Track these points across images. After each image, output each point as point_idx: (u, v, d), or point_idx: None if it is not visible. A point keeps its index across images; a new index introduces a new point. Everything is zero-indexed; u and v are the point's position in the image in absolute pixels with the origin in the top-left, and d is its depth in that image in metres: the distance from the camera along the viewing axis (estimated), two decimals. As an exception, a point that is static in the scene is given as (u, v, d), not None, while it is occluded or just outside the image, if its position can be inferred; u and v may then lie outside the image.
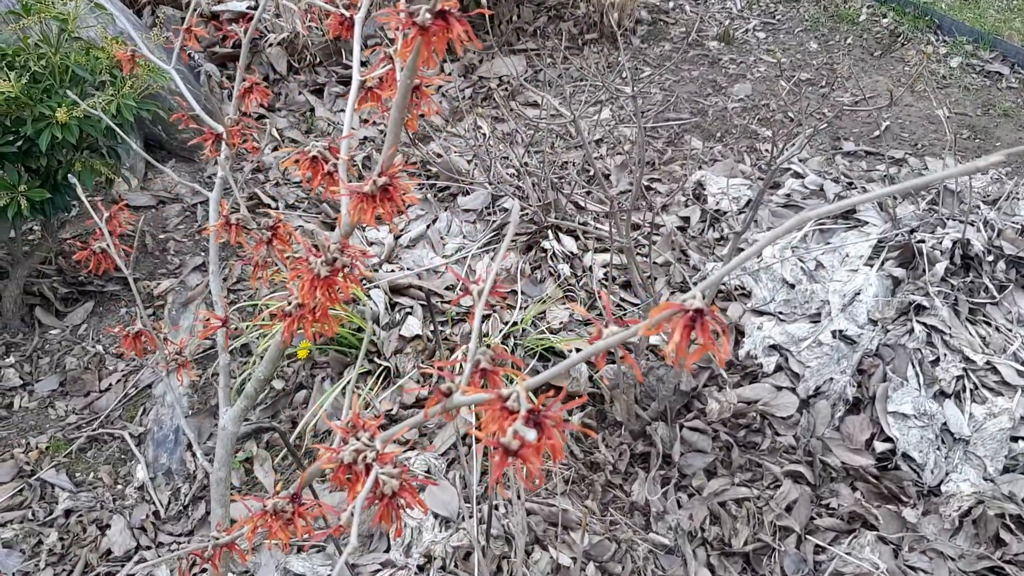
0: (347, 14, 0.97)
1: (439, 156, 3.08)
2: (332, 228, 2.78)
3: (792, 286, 2.53)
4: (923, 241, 2.51)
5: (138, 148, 1.27)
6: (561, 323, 2.44)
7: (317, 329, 0.84)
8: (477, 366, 0.68)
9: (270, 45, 3.51)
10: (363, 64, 0.96)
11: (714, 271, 2.63)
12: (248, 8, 3.57)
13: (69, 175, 1.56)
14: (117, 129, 1.36)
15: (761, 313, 2.50)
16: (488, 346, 0.68)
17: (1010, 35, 3.71)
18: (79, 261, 1.14)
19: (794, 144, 2.93)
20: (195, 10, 1.17)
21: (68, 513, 2.05)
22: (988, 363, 2.28)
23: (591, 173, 3.04)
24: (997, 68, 3.56)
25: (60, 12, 2.08)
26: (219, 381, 1.06)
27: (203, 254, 2.73)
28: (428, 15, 0.71)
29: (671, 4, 4.19)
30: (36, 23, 2.11)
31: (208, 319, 1.01)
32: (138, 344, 1.14)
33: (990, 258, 2.49)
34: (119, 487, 2.12)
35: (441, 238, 2.75)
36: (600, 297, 2.52)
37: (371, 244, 2.70)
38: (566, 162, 3.13)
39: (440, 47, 0.73)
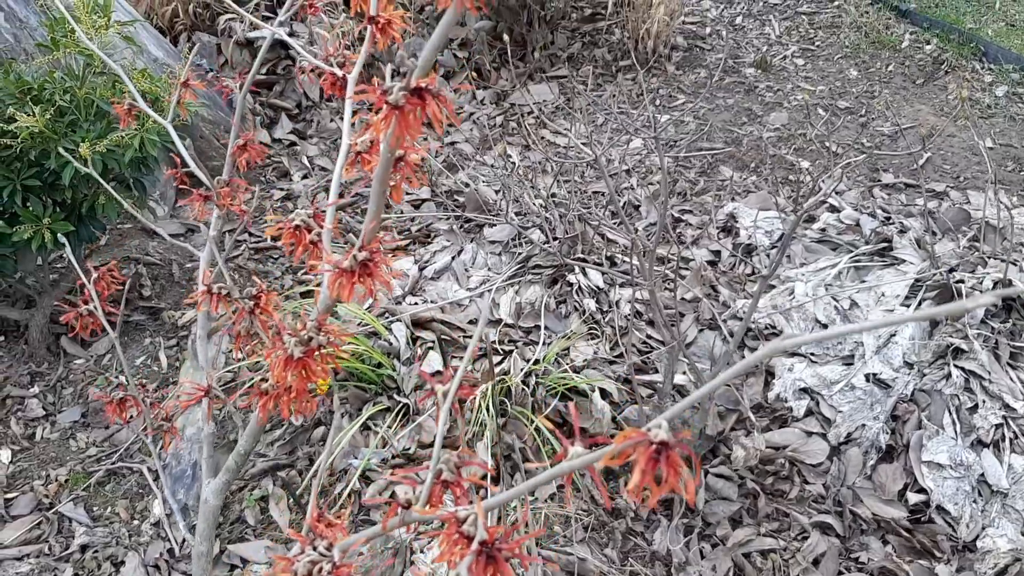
0: (340, 74, 0.94)
1: (466, 185, 3.05)
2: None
3: (825, 326, 2.45)
4: (962, 281, 2.42)
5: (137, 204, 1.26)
6: (585, 360, 2.39)
7: (295, 408, 0.81)
8: (438, 476, 0.64)
9: (303, 72, 3.52)
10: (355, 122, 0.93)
11: (744, 309, 2.57)
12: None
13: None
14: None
15: (792, 354, 2.43)
16: (456, 448, 0.64)
17: (1059, 63, 3.60)
18: (70, 321, 1.12)
19: (829, 177, 2.86)
20: (192, 62, 1.15)
21: (84, 548, 2.04)
22: (1030, 411, 2.19)
23: (619, 204, 2.99)
24: (1045, 97, 3.45)
25: (87, 49, 2.09)
26: (202, 451, 1.03)
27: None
28: (402, 94, 0.67)
29: (707, 30, 4.13)
30: (63, 57, 2.12)
31: (192, 388, 0.98)
32: (123, 410, 1.11)
33: (1033, 300, 2.40)
34: (135, 522, 2.11)
35: (466, 270, 2.72)
36: (625, 333, 2.47)
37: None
38: (595, 192, 3.09)
39: (416, 126, 0.69)
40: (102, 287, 1.11)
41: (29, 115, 2.00)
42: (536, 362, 2.31)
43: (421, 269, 2.72)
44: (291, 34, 3.63)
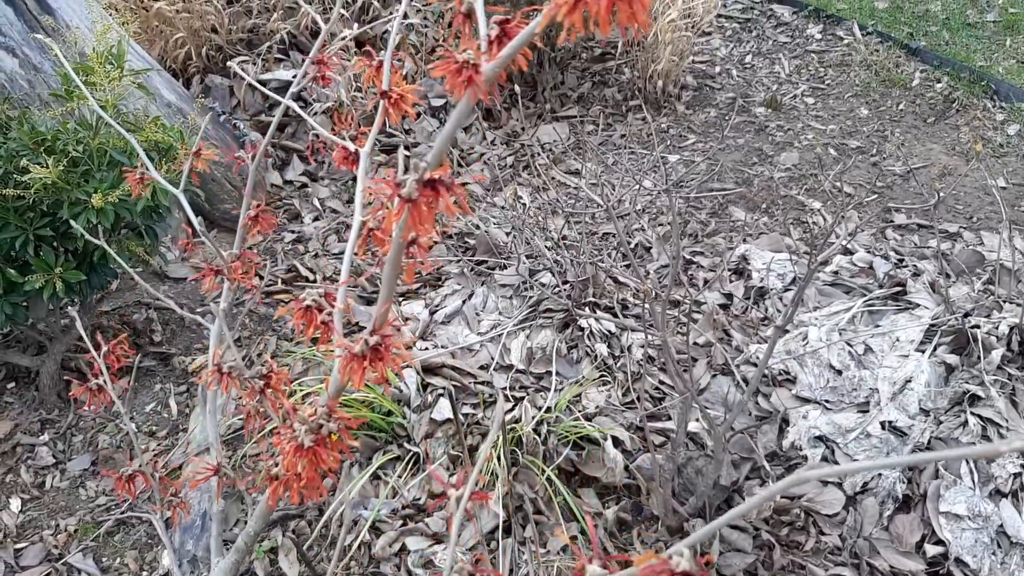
0: (352, 148, 0.94)
1: (477, 227, 3.05)
2: (369, 303, 2.75)
3: (839, 372, 2.43)
4: (978, 326, 2.40)
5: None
6: (597, 407, 2.37)
7: (306, 494, 0.80)
8: (453, 586, 0.62)
9: (315, 114, 3.54)
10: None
11: (757, 354, 2.55)
12: (294, 78, 3.61)
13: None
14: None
15: (806, 400, 2.41)
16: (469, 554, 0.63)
17: (1071, 101, 3.59)
18: (77, 395, 1.11)
19: (844, 220, 2.85)
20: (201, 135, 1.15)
21: (92, 601, 2.02)
22: (1049, 460, 2.16)
23: (630, 246, 2.99)
24: (1057, 136, 3.44)
25: (100, 99, 2.10)
26: (211, 529, 1.02)
27: (239, 329, 2.72)
28: (415, 187, 0.67)
29: (717, 69, 4.14)
30: (76, 107, 2.14)
31: (201, 466, 0.97)
32: (132, 486, 1.10)
33: (1050, 345, 2.37)
34: (144, 574, 2.09)
35: (477, 314, 2.71)
36: (638, 378, 2.45)
37: (406, 320, 2.67)
38: (606, 233, 3.08)
39: (429, 218, 0.69)
40: (112, 360, 1.10)
41: (43, 166, 2.01)
42: (548, 410, 2.29)
43: (432, 313, 2.71)
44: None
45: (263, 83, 3.63)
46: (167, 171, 2.17)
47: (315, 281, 2.88)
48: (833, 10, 4.51)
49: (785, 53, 4.25)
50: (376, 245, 0.92)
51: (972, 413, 2.24)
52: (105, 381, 1.10)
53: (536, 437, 2.21)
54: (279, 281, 2.89)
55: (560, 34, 0.60)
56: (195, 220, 1.12)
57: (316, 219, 3.22)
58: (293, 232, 3.14)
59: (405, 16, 3.91)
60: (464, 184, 3.39)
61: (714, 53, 4.30)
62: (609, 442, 2.22)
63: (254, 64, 3.66)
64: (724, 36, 4.42)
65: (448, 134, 0.72)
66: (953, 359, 2.37)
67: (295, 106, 1.09)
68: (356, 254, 0.94)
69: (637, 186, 3.18)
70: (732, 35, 4.45)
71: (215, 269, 1.05)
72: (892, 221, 3.09)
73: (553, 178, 3.36)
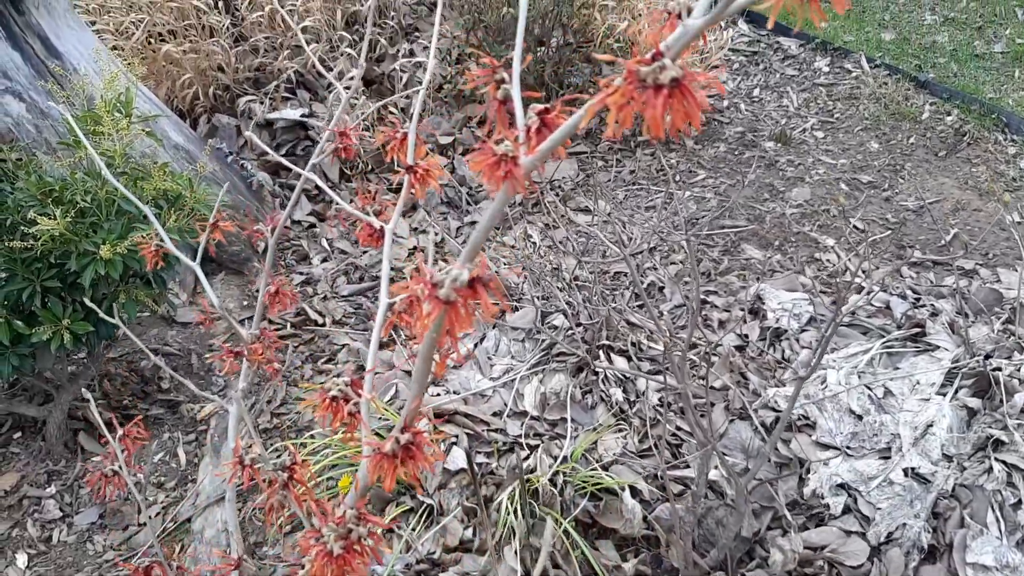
0: (377, 225, 0.91)
1: (487, 268, 3.02)
2: (380, 346, 2.71)
3: (860, 417, 2.38)
4: (999, 368, 2.36)
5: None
6: (614, 455, 2.33)
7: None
8: None
9: (322, 152, 3.51)
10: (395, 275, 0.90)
11: (775, 398, 2.51)
12: (302, 116, 3.59)
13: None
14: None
15: (827, 447, 2.36)
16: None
17: (1083, 134, 3.57)
18: (94, 483, 1.07)
19: (863, 263, 2.82)
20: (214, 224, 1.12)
21: (99, 662, 1.97)
22: (1078, 507, 2.11)
23: (643, 285, 2.95)
24: (1072, 169, 3.41)
25: (107, 149, 2.08)
26: (231, 626, 0.98)
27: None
28: (454, 289, 0.63)
29: (725, 103, 4.12)
30: (84, 157, 2.11)
31: (222, 559, 0.93)
32: (147, 578, 1.06)
33: (1074, 388, 2.33)
34: (152, 633, 2.04)
35: (489, 358, 2.67)
36: (656, 424, 2.41)
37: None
38: (618, 273, 3.05)
39: (467, 319, 0.65)
40: (127, 443, 1.06)
41: (50, 217, 1.98)
42: (564, 460, 2.25)
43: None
44: (310, 115, 3.64)
45: (270, 122, 3.62)
46: (175, 220, 2.14)
47: (324, 324, 2.85)
48: (840, 42, 4.50)
49: (793, 86, 4.24)
50: (403, 325, 0.89)
51: (996, 459, 2.20)
52: (121, 466, 1.06)
53: (552, 488, 2.17)
54: (288, 325, 2.86)
55: (607, 129, 0.57)
56: (214, 298, 1.08)
57: (325, 260, 3.19)
58: (301, 274, 3.11)
59: (411, 54, 3.91)
60: (473, 223, 3.36)
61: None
62: (627, 492, 2.17)
63: (261, 103, 3.65)
64: (731, 70, 4.41)
65: (485, 228, 0.68)
66: (975, 402, 2.33)
67: (316, 179, 1.06)
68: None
69: (650, 225, 3.15)
70: (739, 68, 4.44)
71: (234, 351, 1.01)
72: (906, 258, 3.05)
73: (563, 215, 3.33)
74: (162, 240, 1.10)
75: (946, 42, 4.47)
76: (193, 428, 2.54)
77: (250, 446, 0.85)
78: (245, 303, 3.00)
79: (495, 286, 0.66)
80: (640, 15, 3.80)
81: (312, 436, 2.32)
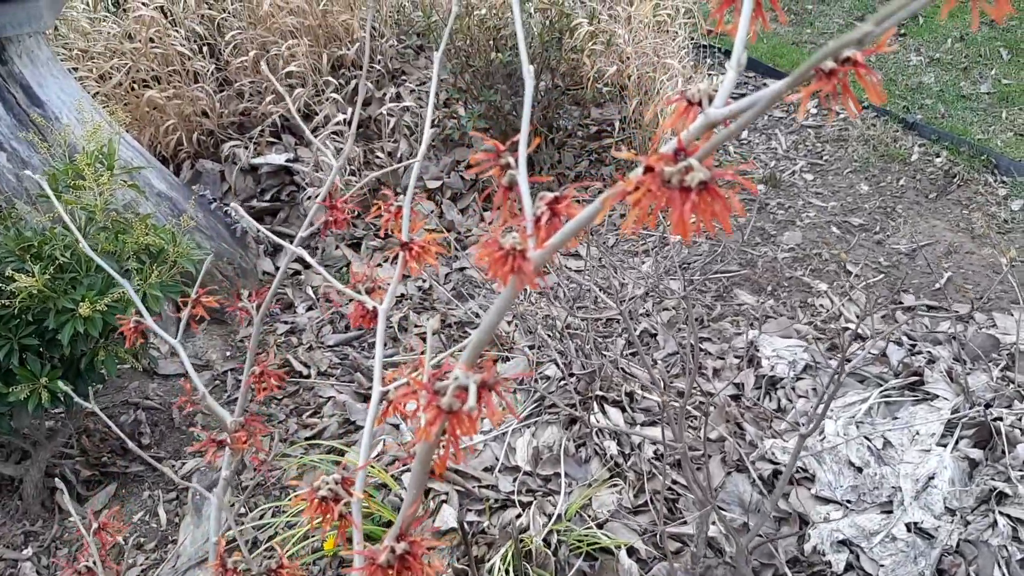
0: (370, 304, 0.86)
1: (477, 315, 2.97)
2: (365, 399, 2.65)
3: (859, 469, 2.33)
4: (1000, 418, 2.32)
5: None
6: (608, 511, 2.27)
7: None
8: None
9: (308, 199, 3.47)
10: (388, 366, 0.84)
11: (772, 450, 2.46)
12: (287, 161, 3.55)
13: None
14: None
15: (827, 501, 2.30)
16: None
17: (1072, 175, 3.56)
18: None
19: (867, 314, 2.78)
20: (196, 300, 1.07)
21: None
22: (1083, 562, 2.06)
23: (635, 332, 2.91)
24: (1062, 211, 3.40)
25: (88, 203, 2.02)
26: None
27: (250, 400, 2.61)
28: (457, 395, 0.58)
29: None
30: (64, 212, 2.06)
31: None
32: None
33: (1076, 438, 2.29)
34: None
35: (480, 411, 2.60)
36: (652, 477, 2.35)
37: (404, 418, 2.57)
38: (610, 319, 3.00)
39: (472, 426, 0.60)
40: (103, 536, 1.00)
41: (29, 274, 1.92)
42: (558, 518, 2.18)
43: (433, 409, 2.60)
44: (295, 159, 3.60)
45: (255, 167, 3.58)
46: (158, 276, 2.09)
47: (309, 376, 2.78)
48: (826, 84, 4.50)
49: (781, 128, 4.23)
50: (395, 412, 0.83)
51: (1001, 512, 2.15)
52: (96, 563, 1.00)
53: (546, 548, 2.10)
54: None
55: (625, 222, 0.53)
56: (198, 381, 1.03)
57: (310, 308, 3.13)
58: (286, 323, 3.05)
59: (398, 97, 3.88)
60: (462, 269, 3.32)
61: (710, 128, 4.26)
62: (623, 552, 2.11)
63: (246, 148, 3.61)
64: (719, 111, 4.40)
65: (491, 324, 0.64)
66: (976, 454, 2.29)
67: (304, 253, 1.01)
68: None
69: (642, 271, 3.12)
70: (727, 109, 4.42)
71: (217, 440, 0.95)
72: (901, 303, 3.02)
73: (553, 261, 3.29)
74: (141, 317, 1.05)
75: (932, 83, 4.48)
76: (174, 486, 2.46)
77: (234, 545, 0.79)
78: (228, 353, 2.93)
79: (500, 388, 0.62)
80: (628, 58, 3.80)
81: (296, 494, 2.24)
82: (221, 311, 3.05)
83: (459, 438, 0.62)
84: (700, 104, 0.57)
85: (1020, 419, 2.32)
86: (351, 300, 0.98)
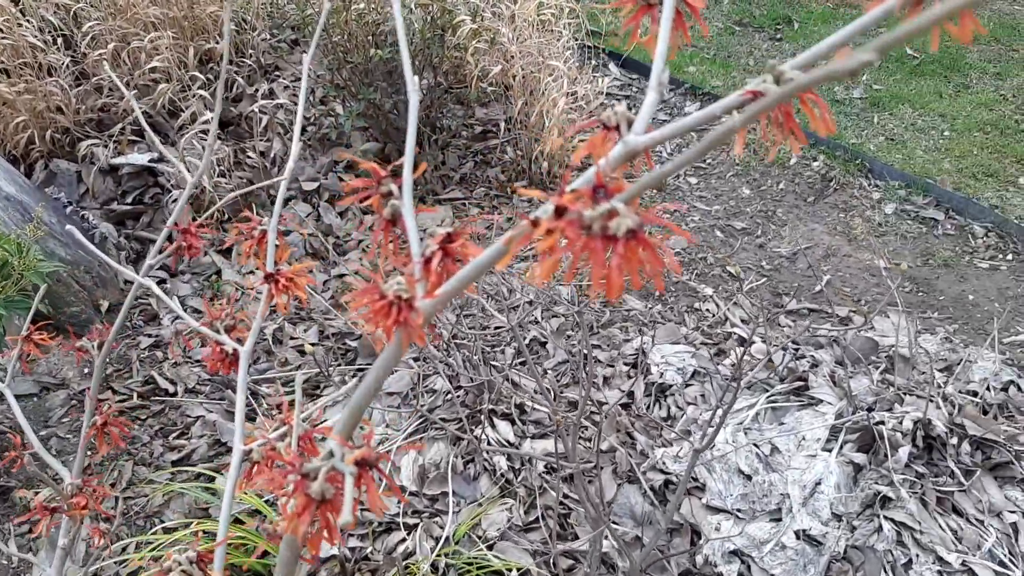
0: (229, 347, 0.73)
1: (356, 324, 2.83)
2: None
3: (749, 477, 2.31)
4: (882, 422, 2.34)
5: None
6: (499, 530, 2.18)
7: None
8: None
9: (174, 201, 3.25)
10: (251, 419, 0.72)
11: (663, 459, 2.42)
12: (150, 162, 3.32)
13: None
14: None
15: (717, 510, 2.28)
16: None
17: (941, 179, 3.68)
18: None
19: (759, 327, 2.78)
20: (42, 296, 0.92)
21: None
22: (963, 564, 2.09)
23: (524, 341, 2.83)
24: (932, 214, 3.50)
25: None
26: None
27: (90, 452, 2.40)
28: (328, 482, 0.47)
29: (599, 147, 4.07)
30: None
31: None
32: None
33: (953, 440, 2.33)
34: None
35: (361, 428, 2.47)
36: (542, 493, 2.27)
37: (283, 438, 2.41)
38: (499, 327, 2.91)
39: (348, 508, 0.50)
40: None
41: None
42: (446, 541, 2.08)
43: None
44: (160, 159, 3.37)
45: (115, 167, 3.33)
46: (1, 292, 1.88)
47: (176, 394, 2.59)
48: (709, 87, 4.55)
49: (664, 130, 4.23)
50: (260, 476, 0.71)
51: (886, 517, 2.16)
52: None
53: (434, 574, 2.00)
54: (135, 395, 2.58)
55: (536, 274, 0.44)
56: (32, 436, 0.87)
57: (176, 319, 2.92)
58: (149, 336, 2.84)
59: (272, 94, 3.69)
60: (341, 276, 3.17)
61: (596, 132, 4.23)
62: (515, 574, 2.02)
63: (105, 147, 3.35)
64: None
65: (369, 389, 0.53)
66: (860, 458, 2.30)
67: (152, 285, 0.88)
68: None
69: (530, 276, 3.04)
70: (611, 111, 4.41)
71: (49, 507, 0.80)
72: (783, 306, 3.05)
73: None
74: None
75: (807, 88, 4.58)
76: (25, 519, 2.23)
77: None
78: (87, 370, 2.70)
79: (381, 468, 0.51)
80: (512, 57, 3.72)
81: (162, 525, 2.07)
82: (79, 325, 2.81)
83: (335, 529, 0.51)
84: (618, 129, 0.47)
85: (901, 422, 2.35)
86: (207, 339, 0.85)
